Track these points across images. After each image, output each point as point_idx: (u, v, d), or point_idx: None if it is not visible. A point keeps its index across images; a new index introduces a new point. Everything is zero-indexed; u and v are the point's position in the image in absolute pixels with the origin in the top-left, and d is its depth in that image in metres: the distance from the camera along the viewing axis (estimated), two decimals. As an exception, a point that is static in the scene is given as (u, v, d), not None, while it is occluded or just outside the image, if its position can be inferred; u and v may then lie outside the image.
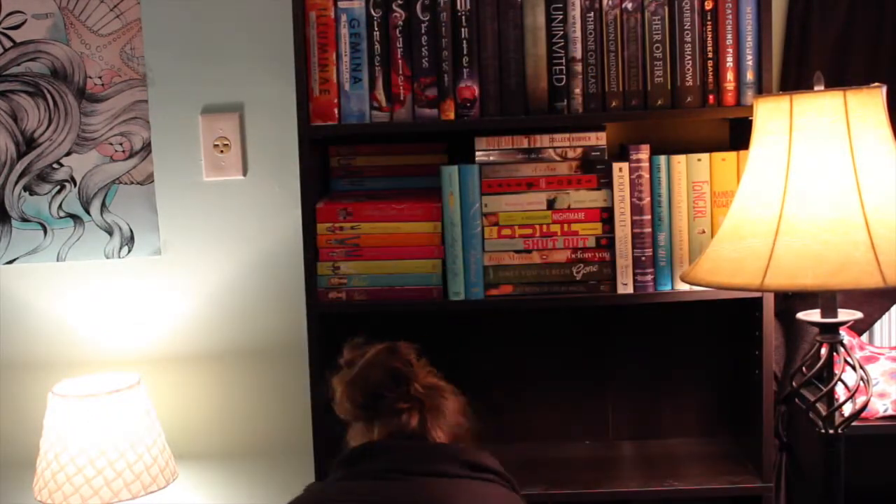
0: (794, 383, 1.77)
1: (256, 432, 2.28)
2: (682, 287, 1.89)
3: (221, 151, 2.22)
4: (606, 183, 1.92)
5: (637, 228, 1.91)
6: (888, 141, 1.59)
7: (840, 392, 1.72)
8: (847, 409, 1.72)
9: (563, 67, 1.89)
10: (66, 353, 2.26)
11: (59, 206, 2.24)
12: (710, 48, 1.89)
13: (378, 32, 1.89)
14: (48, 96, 2.21)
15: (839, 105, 1.57)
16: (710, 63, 1.89)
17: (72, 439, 1.99)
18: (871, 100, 1.58)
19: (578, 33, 1.89)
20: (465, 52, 1.89)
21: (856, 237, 1.52)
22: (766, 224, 1.59)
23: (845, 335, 1.69)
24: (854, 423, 1.73)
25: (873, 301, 2.08)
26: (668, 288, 1.93)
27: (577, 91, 1.90)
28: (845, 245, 1.52)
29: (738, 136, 2.00)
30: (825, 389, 1.68)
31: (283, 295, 2.22)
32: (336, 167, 2.11)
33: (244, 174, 2.23)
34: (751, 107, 1.75)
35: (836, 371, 1.68)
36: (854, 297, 2.02)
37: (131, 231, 2.24)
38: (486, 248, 1.94)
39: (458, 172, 1.91)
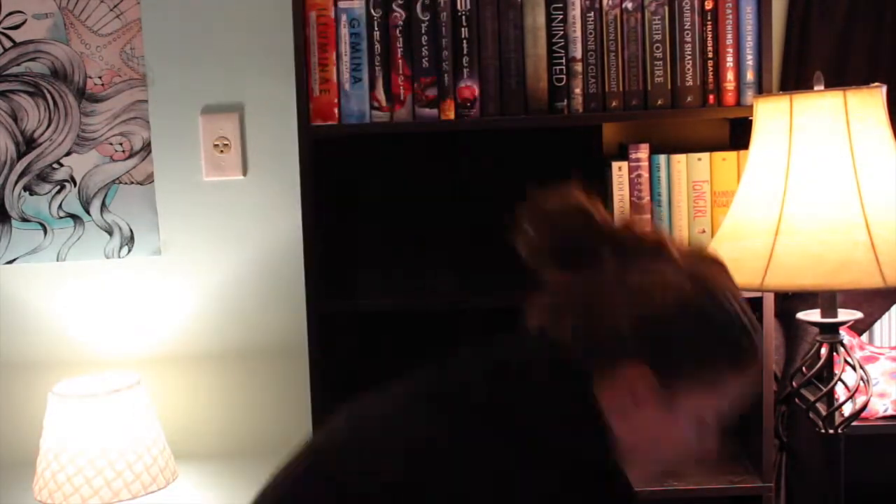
0: (794, 383, 1.77)
1: (256, 432, 2.27)
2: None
3: (221, 151, 2.22)
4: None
5: (637, 228, 1.91)
6: (888, 141, 1.59)
7: (840, 392, 1.72)
8: (847, 409, 1.72)
9: (563, 67, 1.89)
10: (66, 353, 2.26)
11: (59, 206, 2.24)
12: (710, 48, 1.89)
13: (378, 32, 1.89)
14: (48, 96, 2.21)
15: (839, 105, 1.57)
16: (710, 63, 1.89)
17: (72, 439, 1.99)
18: (871, 100, 1.58)
19: (578, 33, 1.89)
20: (465, 52, 1.89)
21: (856, 237, 1.52)
22: (766, 224, 1.59)
23: (845, 335, 1.69)
24: (854, 423, 1.73)
25: (873, 301, 2.08)
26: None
27: (577, 91, 1.90)
28: (845, 245, 1.52)
29: (738, 136, 2.00)
30: (825, 389, 1.68)
31: (283, 295, 2.22)
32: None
33: (244, 174, 2.23)
34: (751, 107, 1.75)
35: (836, 371, 1.68)
36: (854, 297, 2.02)
37: (131, 231, 2.24)
38: (486, 248, 1.94)
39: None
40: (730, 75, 1.89)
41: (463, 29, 1.89)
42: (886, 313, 2.15)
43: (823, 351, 1.69)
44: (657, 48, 1.89)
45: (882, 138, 1.58)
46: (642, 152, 1.91)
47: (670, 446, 1.14)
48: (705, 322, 1.09)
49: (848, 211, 1.54)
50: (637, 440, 1.11)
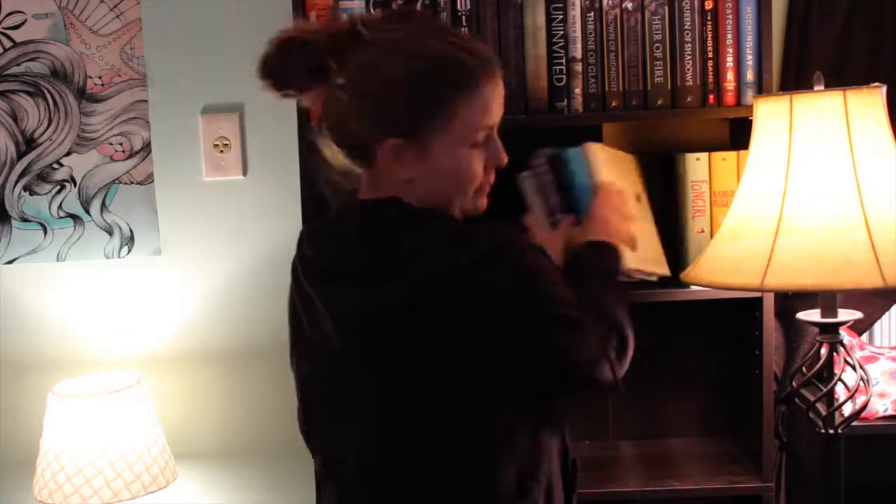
0: (794, 383, 1.77)
1: (256, 432, 2.27)
2: (682, 287, 1.89)
3: (221, 151, 2.22)
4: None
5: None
6: (888, 140, 1.59)
7: (840, 392, 1.72)
8: (847, 409, 1.72)
9: (563, 67, 1.89)
10: (66, 353, 2.26)
11: (59, 206, 2.24)
12: (710, 48, 1.89)
13: (378, 32, 1.89)
14: (48, 96, 2.21)
15: (839, 105, 1.56)
16: (710, 63, 1.89)
17: (72, 439, 1.99)
18: (871, 99, 1.58)
19: (578, 33, 1.89)
20: (465, 52, 1.89)
21: (856, 237, 1.52)
22: (766, 224, 1.59)
23: (845, 335, 1.69)
24: (854, 423, 1.73)
25: (873, 301, 2.08)
26: (668, 287, 1.93)
27: (578, 91, 1.90)
28: (845, 245, 1.52)
29: (738, 136, 2.00)
30: (825, 389, 1.68)
31: (283, 295, 2.20)
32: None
33: (244, 174, 2.23)
34: (751, 107, 1.75)
35: (836, 371, 1.68)
36: (854, 297, 2.02)
37: (131, 231, 2.24)
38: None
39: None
40: (730, 75, 1.89)
41: (463, 29, 1.89)
42: (886, 313, 2.15)
43: (823, 351, 1.69)
44: (657, 48, 1.89)
45: (882, 138, 1.58)
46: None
47: (465, 174, 1.31)
48: (418, 69, 1.26)
49: (848, 211, 1.54)
50: (435, 188, 1.30)
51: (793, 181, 1.58)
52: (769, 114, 1.64)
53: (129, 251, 2.25)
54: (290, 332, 1.43)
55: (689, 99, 1.90)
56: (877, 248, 1.51)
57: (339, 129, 1.31)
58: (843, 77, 2.04)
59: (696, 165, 1.91)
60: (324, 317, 1.30)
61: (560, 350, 1.24)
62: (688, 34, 1.89)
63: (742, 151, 1.86)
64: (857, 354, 1.97)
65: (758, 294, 1.86)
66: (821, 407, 1.71)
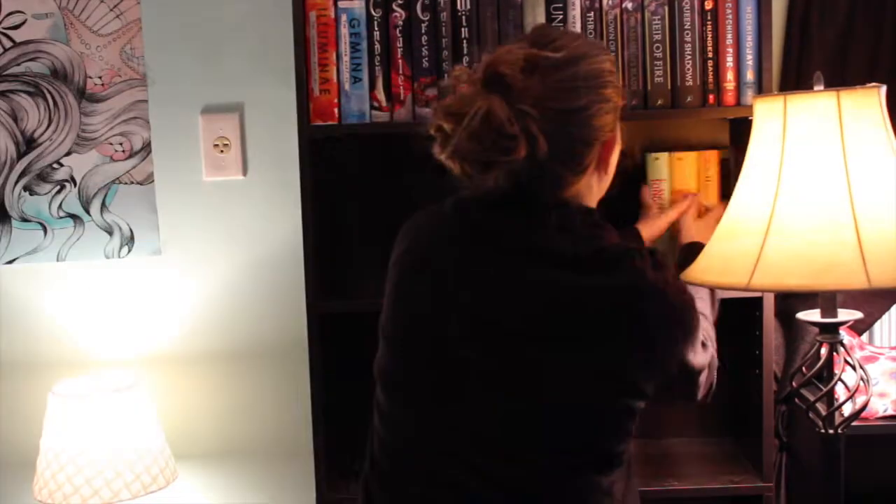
0: (794, 383, 1.76)
1: (256, 432, 2.28)
2: (682, 287, 1.89)
3: (221, 151, 2.22)
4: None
5: (637, 228, 1.91)
6: (884, 142, 1.58)
7: (840, 392, 1.72)
8: (847, 409, 1.72)
9: (563, 67, 1.89)
10: (66, 353, 2.26)
11: (59, 206, 2.24)
12: (710, 48, 1.89)
13: (378, 32, 1.89)
14: (48, 96, 2.21)
15: (832, 106, 1.56)
16: (710, 63, 1.89)
17: (72, 439, 1.99)
18: (866, 100, 1.57)
19: (578, 33, 1.89)
20: (465, 52, 1.89)
21: (844, 237, 1.51)
22: (757, 224, 1.59)
23: (845, 335, 1.69)
24: (854, 423, 1.72)
25: (873, 301, 2.08)
26: (667, 288, 1.93)
27: (577, 91, 1.89)
28: (833, 245, 1.51)
29: (738, 135, 2.00)
30: (825, 389, 1.68)
31: (282, 295, 2.22)
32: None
33: (244, 174, 2.23)
34: (751, 107, 1.75)
35: (836, 371, 1.68)
36: (854, 297, 2.02)
37: (131, 231, 2.24)
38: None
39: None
40: (730, 75, 1.89)
41: (463, 29, 1.89)
42: (886, 313, 2.15)
43: (823, 351, 1.69)
44: (657, 48, 1.89)
45: (877, 139, 1.57)
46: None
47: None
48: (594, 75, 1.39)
49: (837, 211, 1.53)
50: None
51: (784, 181, 1.58)
52: (765, 114, 1.63)
53: (129, 251, 2.25)
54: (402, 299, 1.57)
55: (689, 99, 1.90)
56: (864, 248, 1.50)
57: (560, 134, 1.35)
58: (843, 77, 2.04)
59: (655, 165, 1.93)
60: (506, 288, 1.37)
61: (700, 368, 1.47)
62: (688, 34, 1.89)
63: (700, 152, 1.92)
64: (857, 354, 1.97)
65: (758, 294, 1.86)
66: (821, 407, 1.70)
